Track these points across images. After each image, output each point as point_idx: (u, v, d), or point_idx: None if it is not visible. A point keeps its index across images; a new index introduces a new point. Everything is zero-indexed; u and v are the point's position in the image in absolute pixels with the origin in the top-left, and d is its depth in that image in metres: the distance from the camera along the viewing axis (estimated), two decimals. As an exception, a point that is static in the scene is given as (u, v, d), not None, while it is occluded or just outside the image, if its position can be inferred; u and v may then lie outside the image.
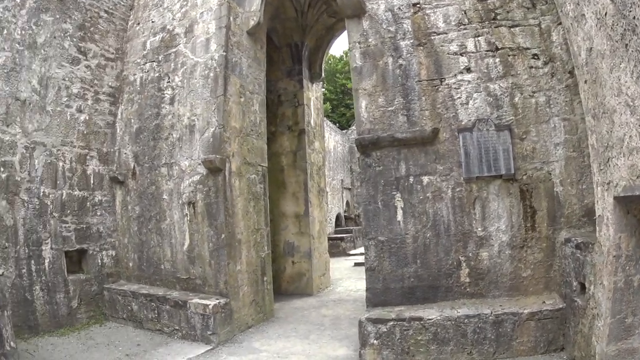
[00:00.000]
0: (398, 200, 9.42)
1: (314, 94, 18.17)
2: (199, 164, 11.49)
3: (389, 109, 9.72)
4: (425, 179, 9.28)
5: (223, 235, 11.01)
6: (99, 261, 13.08)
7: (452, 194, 9.14)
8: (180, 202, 11.95)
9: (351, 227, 35.01)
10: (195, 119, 11.86)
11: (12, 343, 7.41)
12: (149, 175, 12.82)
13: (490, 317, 8.05)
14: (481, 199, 8.99)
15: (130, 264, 13.26)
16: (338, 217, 37.31)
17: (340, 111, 54.55)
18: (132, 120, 13.50)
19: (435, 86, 9.49)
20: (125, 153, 13.53)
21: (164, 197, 12.38)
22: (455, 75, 9.40)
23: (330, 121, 39.75)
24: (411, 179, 9.37)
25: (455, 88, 9.36)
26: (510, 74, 9.03)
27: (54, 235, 11.81)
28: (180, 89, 12.40)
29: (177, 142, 12.21)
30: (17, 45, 11.22)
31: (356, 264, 22.88)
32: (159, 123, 12.72)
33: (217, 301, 10.54)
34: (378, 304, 9.28)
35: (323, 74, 18.68)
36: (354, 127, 38.43)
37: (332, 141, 36.46)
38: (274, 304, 13.10)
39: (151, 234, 12.63)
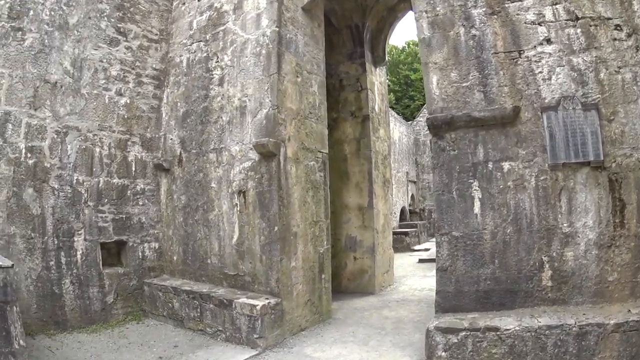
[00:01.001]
0: (475, 190, 8.48)
1: (377, 78, 17.28)
2: (251, 149, 10.74)
3: (463, 84, 8.79)
4: (506, 165, 8.32)
5: (276, 228, 10.20)
6: (140, 254, 12.62)
7: (536, 182, 8.14)
8: (229, 190, 11.23)
9: (416, 222, 34.56)
10: (247, 100, 11.10)
11: (21, 341, 6.90)
12: (196, 162, 12.20)
13: (574, 329, 7.11)
14: (567, 189, 7.97)
15: (175, 258, 12.71)
16: (402, 211, 36.86)
17: (405, 103, 54.23)
18: (179, 104, 12.95)
19: (514, 59, 8.49)
20: (171, 138, 13.00)
21: (212, 186, 11.69)
22: (535, 47, 8.36)
23: (395, 112, 38.76)
24: (490, 165, 8.42)
25: (535, 61, 8.30)
26: (594, 46, 7.97)
27: (88, 225, 11.37)
28: (229, 68, 11.71)
29: (227, 126, 11.49)
30: (45, 26, 10.85)
31: (421, 260, 22.42)
32: (207, 105, 12.08)
33: (267, 301, 9.77)
34: (449, 309, 8.44)
35: (387, 58, 17.92)
36: (419, 119, 39.57)
37: (397, 132, 35.88)
38: (331, 303, 12.29)
39: (197, 225, 11.98)
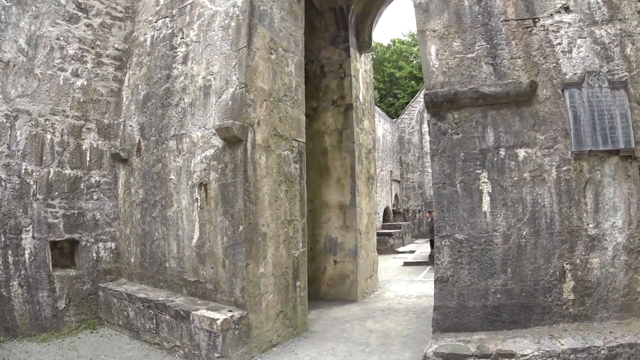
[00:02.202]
0: (484, 183, 7.25)
1: (362, 65, 15.95)
2: (214, 134, 9.27)
3: (468, 55, 7.58)
4: (521, 153, 7.12)
5: (241, 228, 8.74)
6: (94, 255, 11.33)
7: (557, 174, 7.00)
8: (189, 183, 9.82)
9: (400, 223, 34.05)
10: (212, 79, 9.67)
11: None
12: (155, 151, 10.80)
13: (603, 351, 6.08)
14: (594, 182, 6.91)
15: (132, 260, 11.38)
16: (386, 212, 36.19)
17: (389, 101, 54.24)
18: (140, 86, 11.58)
19: (528, 27, 7.44)
20: (130, 125, 11.64)
21: (171, 178, 10.29)
22: (552, 15, 7.33)
23: (379, 109, 37.79)
24: (502, 152, 7.20)
25: (553, 31, 7.28)
26: (617, 18, 7.06)
27: (36, 221, 10.25)
28: (195, 44, 10.34)
29: (189, 109, 10.05)
30: (3, 1, 10.04)
31: (406, 263, 21.56)
32: (169, 87, 10.65)
33: (230, 314, 8.26)
34: (449, 328, 7.16)
35: (373, 44, 16.66)
36: (403, 116, 39.49)
37: (381, 129, 35.12)
38: (308, 313, 10.97)
39: (155, 223, 10.62)
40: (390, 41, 59.15)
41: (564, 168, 6.91)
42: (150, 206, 10.71)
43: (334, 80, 14.90)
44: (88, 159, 11.33)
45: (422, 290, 14.16)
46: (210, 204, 9.25)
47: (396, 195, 38.94)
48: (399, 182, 39.95)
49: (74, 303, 10.66)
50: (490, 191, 7.10)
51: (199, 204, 9.47)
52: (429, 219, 21.19)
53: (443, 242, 7.28)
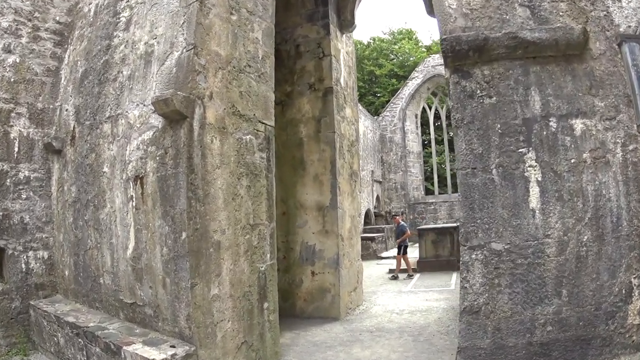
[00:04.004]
0: (531, 167, 5.64)
1: (344, 46, 14.05)
2: (153, 111, 7.24)
3: None
4: (578, 125, 5.55)
5: (184, 235, 6.72)
6: (23, 266, 9.73)
7: (623, 154, 5.61)
8: (124, 176, 7.82)
9: (382, 226, 32.42)
10: (155, 43, 7.76)
11: None
12: (89, 138, 8.94)
13: None
14: None
15: (66, 273, 9.59)
16: (367, 214, 34.66)
17: (369, 100, 53.61)
18: (79, 63, 9.86)
19: None
20: (66, 109, 9.95)
21: (104, 170, 8.36)
22: None
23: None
24: (553, 124, 5.58)
25: None
26: None
27: None
28: (140, 6, 8.46)
29: (127, 82, 8.09)
30: None
31: (391, 271, 19.85)
32: (108, 59, 8.80)
33: (171, 352, 6.18)
34: None
35: (355, 23, 14.64)
36: (385, 114, 38.79)
37: (362, 126, 33.42)
38: (281, 338, 9.05)
39: (88, 228, 8.73)
40: (371, 39, 58.82)
41: (631, 147, 5.56)
42: (83, 207, 8.87)
43: (311, 61, 13.08)
44: (16, 149, 9.90)
45: (415, 304, 12.33)
46: (147, 204, 7.26)
47: (378, 197, 37.55)
48: (380, 182, 38.58)
49: (2, 323, 9.22)
50: (540, 179, 5.47)
51: (134, 204, 7.49)
52: (395, 225, 19.67)
53: (474, 256, 5.50)
